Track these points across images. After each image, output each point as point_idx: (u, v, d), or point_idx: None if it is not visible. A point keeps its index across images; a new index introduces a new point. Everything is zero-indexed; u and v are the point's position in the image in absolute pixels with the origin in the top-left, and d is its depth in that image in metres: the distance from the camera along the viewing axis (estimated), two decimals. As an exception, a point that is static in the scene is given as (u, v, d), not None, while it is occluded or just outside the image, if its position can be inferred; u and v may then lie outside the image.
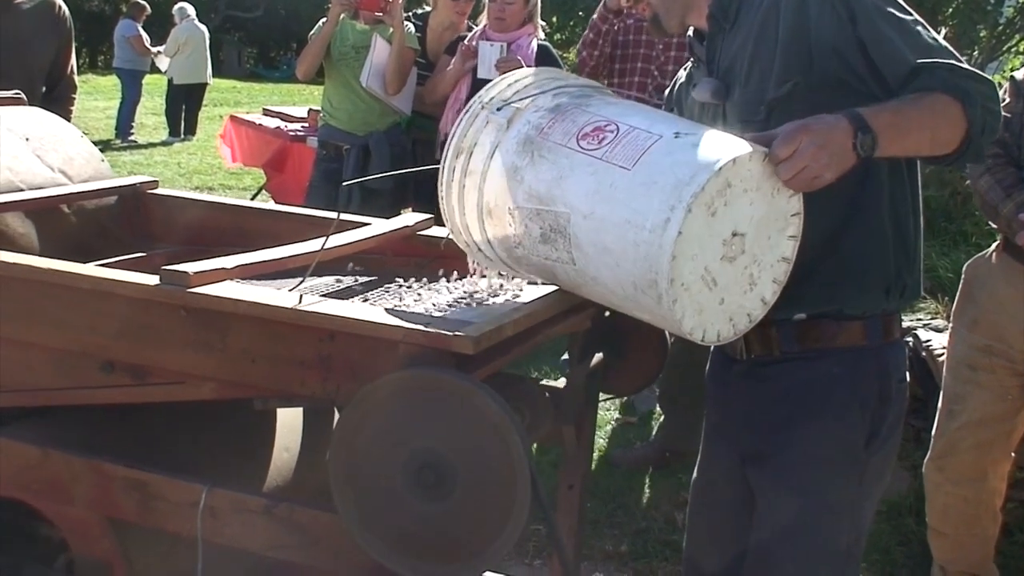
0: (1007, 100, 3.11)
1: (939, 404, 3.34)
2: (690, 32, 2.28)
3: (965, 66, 1.96)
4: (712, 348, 2.33)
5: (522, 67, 4.02)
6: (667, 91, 2.44)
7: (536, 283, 2.11)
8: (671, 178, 1.75)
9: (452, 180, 2.01)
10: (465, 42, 5.00)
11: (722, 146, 1.81)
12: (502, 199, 1.93)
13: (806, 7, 2.00)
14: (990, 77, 2.00)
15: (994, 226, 3.22)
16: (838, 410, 2.10)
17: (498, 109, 1.98)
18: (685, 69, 2.37)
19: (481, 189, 1.96)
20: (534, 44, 4.95)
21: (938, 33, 2.10)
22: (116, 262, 2.54)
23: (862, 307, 2.10)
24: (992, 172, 3.09)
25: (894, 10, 2.00)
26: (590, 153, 1.85)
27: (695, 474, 2.41)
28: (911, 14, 2.02)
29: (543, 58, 4.88)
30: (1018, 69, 3.30)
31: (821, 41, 1.99)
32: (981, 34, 8.71)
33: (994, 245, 3.27)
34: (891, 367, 2.15)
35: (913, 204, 2.14)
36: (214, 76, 14.93)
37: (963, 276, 3.33)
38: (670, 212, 1.72)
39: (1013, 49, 8.86)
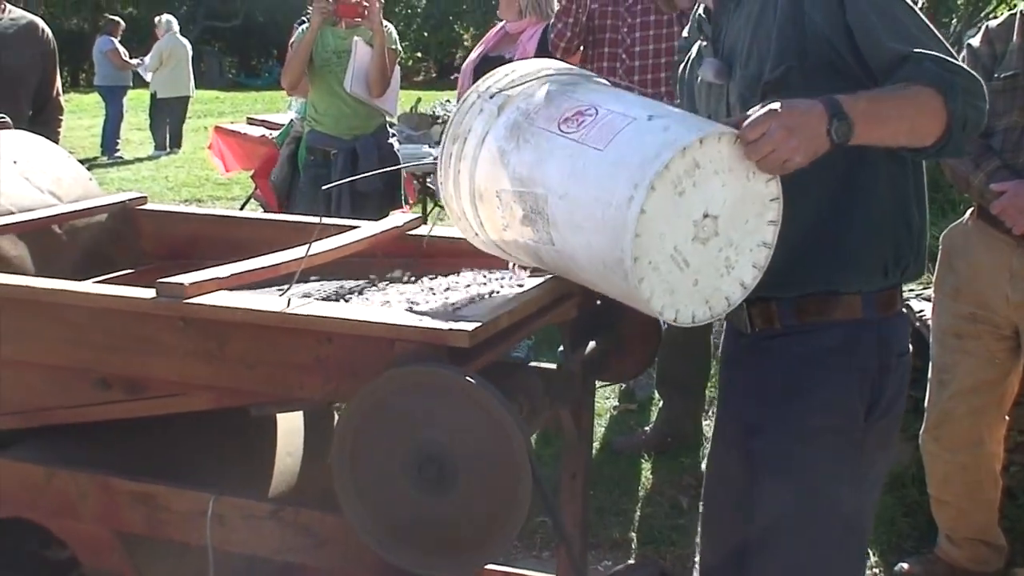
0: None
1: (928, 375, 3.36)
2: (700, 10, 2.29)
3: (952, 60, 1.95)
4: (724, 326, 2.35)
5: None
6: (678, 68, 2.42)
7: (527, 272, 2.13)
8: (638, 156, 1.77)
9: (448, 166, 2.05)
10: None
11: (691, 127, 1.83)
12: (491, 183, 1.97)
13: None
14: (977, 75, 1.98)
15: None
16: (836, 382, 2.11)
17: (491, 97, 2.01)
18: (697, 44, 2.35)
19: (472, 174, 2.00)
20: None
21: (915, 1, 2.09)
22: (110, 279, 2.56)
23: (858, 286, 2.11)
24: None
25: None
26: (568, 136, 1.88)
27: (707, 457, 2.42)
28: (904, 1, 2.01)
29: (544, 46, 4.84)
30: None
31: (814, 27, 2.00)
32: (959, 1, 8.72)
33: (969, 212, 3.27)
34: (891, 340, 2.15)
35: (916, 183, 2.13)
36: (196, 87, 14.92)
37: (940, 246, 3.33)
38: (633, 190, 1.74)
39: (991, 15, 8.86)
